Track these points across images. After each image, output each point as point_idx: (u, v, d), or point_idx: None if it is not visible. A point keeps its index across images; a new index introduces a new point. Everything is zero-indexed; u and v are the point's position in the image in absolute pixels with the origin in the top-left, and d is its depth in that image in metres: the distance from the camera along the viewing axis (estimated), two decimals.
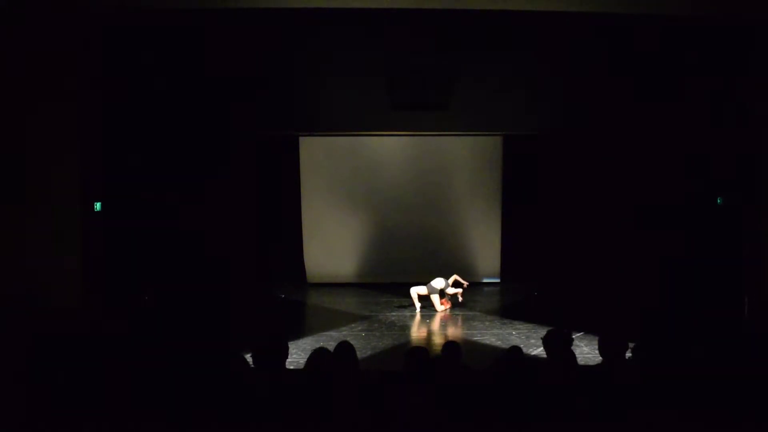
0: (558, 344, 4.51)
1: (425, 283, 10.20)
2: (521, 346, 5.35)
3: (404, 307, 10.32)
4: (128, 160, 9.22)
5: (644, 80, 9.98)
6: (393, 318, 9.68)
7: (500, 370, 4.24)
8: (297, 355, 7.31)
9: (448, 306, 10.15)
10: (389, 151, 12.13)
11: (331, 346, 4.46)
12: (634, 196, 10.85)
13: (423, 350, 4.25)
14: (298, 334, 8.60)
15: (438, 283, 10.07)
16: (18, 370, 4.51)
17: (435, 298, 10.00)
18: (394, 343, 8.34)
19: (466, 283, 10.47)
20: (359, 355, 4.70)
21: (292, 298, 11.32)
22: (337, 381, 4.02)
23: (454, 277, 10.39)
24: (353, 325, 9.18)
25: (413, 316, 9.78)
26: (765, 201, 8.15)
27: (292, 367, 5.72)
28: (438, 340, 8.62)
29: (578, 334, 8.23)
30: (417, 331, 9.06)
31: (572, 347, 4.68)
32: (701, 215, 9.53)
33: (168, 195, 10.40)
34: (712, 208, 9.34)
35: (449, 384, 4.05)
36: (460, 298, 10.41)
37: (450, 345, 4.56)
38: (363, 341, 8.34)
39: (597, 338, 4.56)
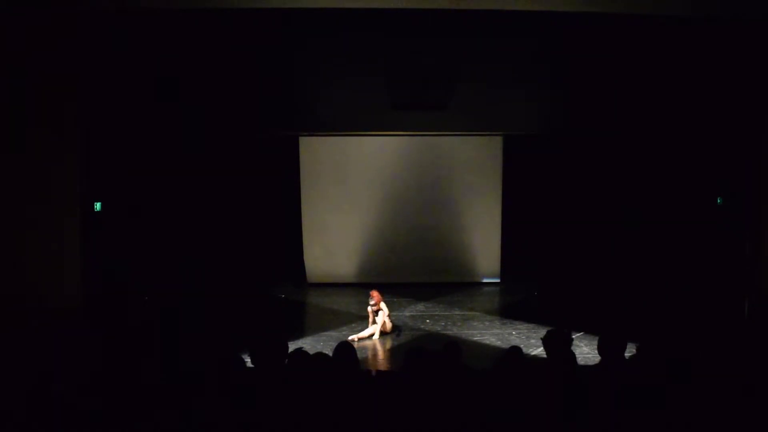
0: (558, 344, 4.51)
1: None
2: (521, 346, 5.35)
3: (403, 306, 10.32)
4: (128, 159, 9.23)
5: (644, 80, 9.99)
6: (392, 318, 9.66)
7: (500, 371, 4.24)
8: None
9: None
10: (389, 151, 12.12)
11: (331, 346, 4.46)
12: (633, 196, 10.86)
13: (423, 350, 4.25)
14: (298, 334, 8.60)
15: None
16: (18, 371, 4.51)
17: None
18: (393, 344, 8.35)
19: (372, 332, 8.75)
20: (359, 355, 4.70)
21: (292, 298, 11.32)
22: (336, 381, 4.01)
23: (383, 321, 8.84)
24: (353, 325, 9.17)
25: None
26: (765, 201, 8.16)
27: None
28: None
29: (578, 334, 8.23)
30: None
31: (572, 347, 4.67)
32: (701, 215, 9.54)
33: (168, 194, 10.41)
34: (712, 208, 9.35)
35: (449, 384, 4.04)
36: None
37: (450, 345, 4.56)
38: (363, 341, 8.34)
39: (597, 338, 4.56)
